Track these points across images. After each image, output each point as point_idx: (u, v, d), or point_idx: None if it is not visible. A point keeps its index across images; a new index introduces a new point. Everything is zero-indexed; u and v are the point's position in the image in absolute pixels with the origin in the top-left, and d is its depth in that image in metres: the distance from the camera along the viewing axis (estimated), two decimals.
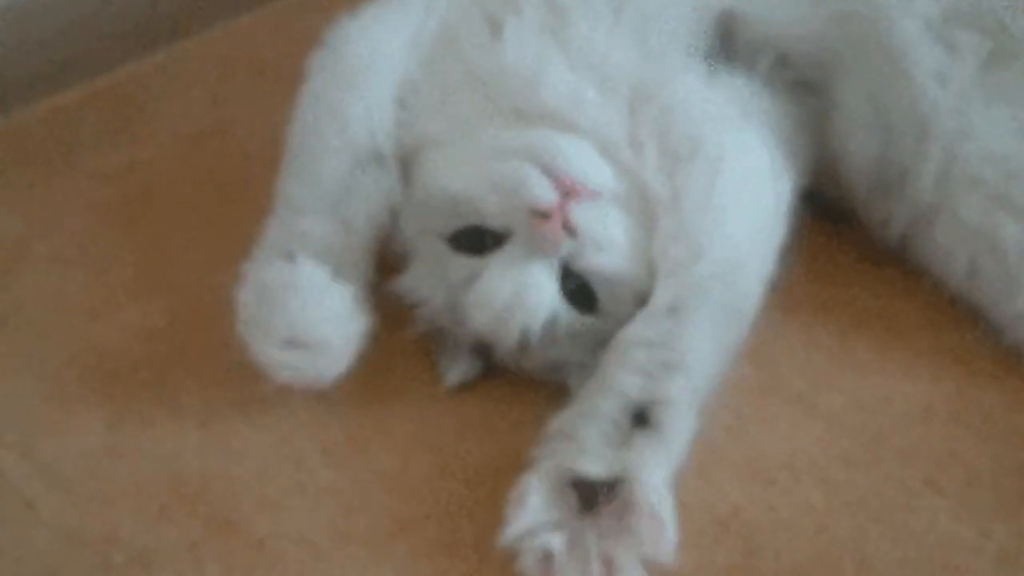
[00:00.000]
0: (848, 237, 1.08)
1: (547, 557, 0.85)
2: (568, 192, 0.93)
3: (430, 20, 1.04)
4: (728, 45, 1.03)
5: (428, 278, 0.98)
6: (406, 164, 1.01)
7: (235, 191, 1.14)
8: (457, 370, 0.99)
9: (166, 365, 1.02)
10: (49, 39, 1.26)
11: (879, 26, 1.02)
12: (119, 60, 1.31)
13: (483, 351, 0.98)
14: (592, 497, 0.86)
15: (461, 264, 0.95)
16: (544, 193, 0.92)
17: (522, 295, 0.92)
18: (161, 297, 1.07)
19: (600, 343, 0.94)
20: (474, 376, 0.99)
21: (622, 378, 0.91)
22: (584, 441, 0.88)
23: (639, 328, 0.93)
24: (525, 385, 0.98)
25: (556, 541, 0.85)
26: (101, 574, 0.89)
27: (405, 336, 1.00)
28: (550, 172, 0.93)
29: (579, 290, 0.94)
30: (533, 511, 0.86)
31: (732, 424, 0.95)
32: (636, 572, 0.85)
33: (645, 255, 0.95)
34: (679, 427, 0.90)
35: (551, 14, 1.02)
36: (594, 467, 0.87)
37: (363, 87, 1.02)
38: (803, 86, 1.04)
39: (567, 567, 0.85)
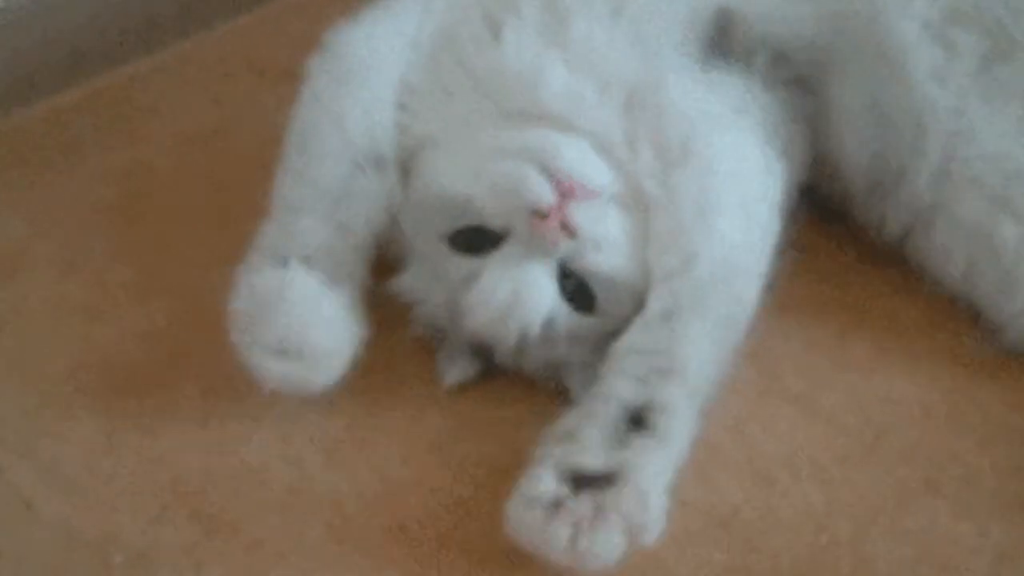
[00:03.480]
0: (847, 237, 1.08)
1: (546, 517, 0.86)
2: (566, 192, 0.92)
3: (428, 22, 1.04)
4: (725, 43, 1.03)
5: (427, 278, 0.98)
6: (405, 166, 1.01)
7: (235, 192, 1.14)
8: (456, 370, 0.99)
9: (166, 366, 1.02)
10: (49, 39, 1.26)
11: (877, 25, 1.02)
12: (119, 60, 1.31)
13: (482, 351, 0.98)
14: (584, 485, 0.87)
15: (460, 264, 0.95)
16: (543, 193, 0.92)
17: (521, 295, 0.92)
18: (161, 298, 1.07)
19: (599, 343, 0.95)
20: (473, 376, 0.99)
21: (617, 385, 0.91)
22: (585, 441, 0.89)
23: (633, 336, 0.93)
24: (524, 385, 0.98)
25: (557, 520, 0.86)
26: (101, 575, 0.89)
27: (404, 336, 1.00)
28: (549, 172, 0.93)
29: (578, 290, 0.94)
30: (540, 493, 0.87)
31: (732, 424, 0.96)
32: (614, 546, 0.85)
33: (643, 255, 0.95)
34: (677, 431, 0.90)
35: (550, 15, 1.01)
36: (593, 460, 0.88)
37: (362, 89, 1.01)
38: (800, 84, 1.04)
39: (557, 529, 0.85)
